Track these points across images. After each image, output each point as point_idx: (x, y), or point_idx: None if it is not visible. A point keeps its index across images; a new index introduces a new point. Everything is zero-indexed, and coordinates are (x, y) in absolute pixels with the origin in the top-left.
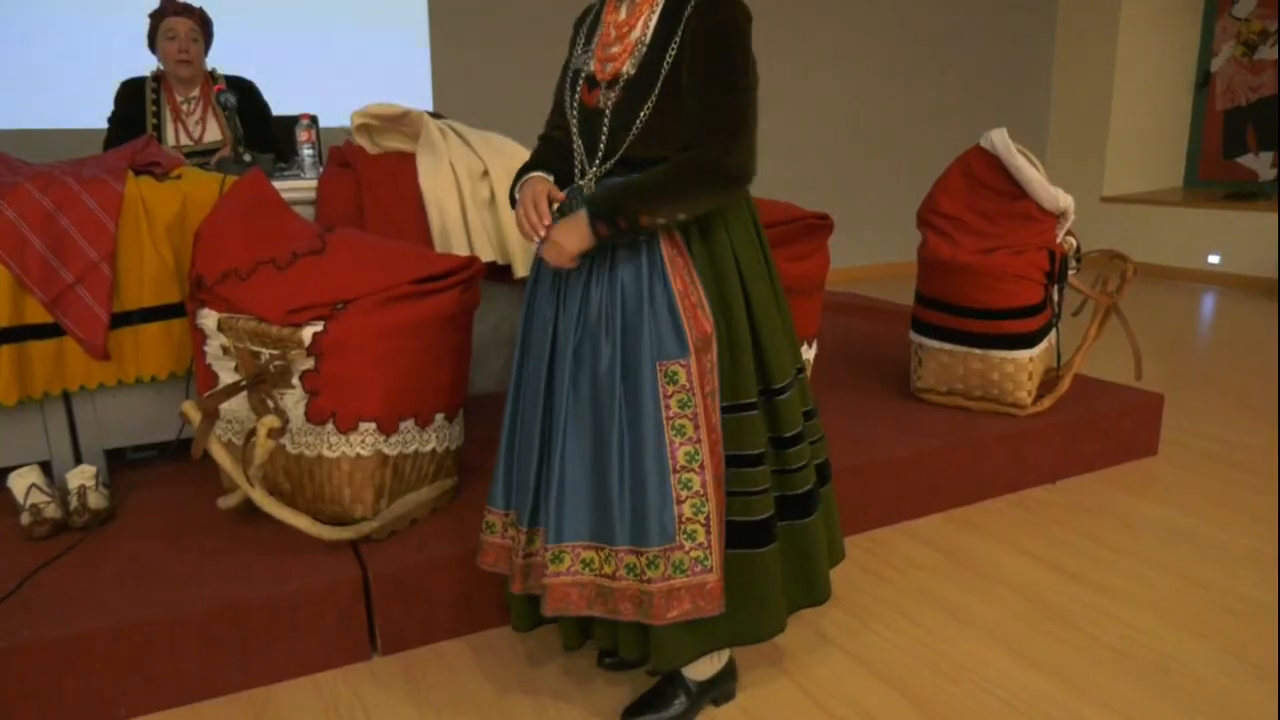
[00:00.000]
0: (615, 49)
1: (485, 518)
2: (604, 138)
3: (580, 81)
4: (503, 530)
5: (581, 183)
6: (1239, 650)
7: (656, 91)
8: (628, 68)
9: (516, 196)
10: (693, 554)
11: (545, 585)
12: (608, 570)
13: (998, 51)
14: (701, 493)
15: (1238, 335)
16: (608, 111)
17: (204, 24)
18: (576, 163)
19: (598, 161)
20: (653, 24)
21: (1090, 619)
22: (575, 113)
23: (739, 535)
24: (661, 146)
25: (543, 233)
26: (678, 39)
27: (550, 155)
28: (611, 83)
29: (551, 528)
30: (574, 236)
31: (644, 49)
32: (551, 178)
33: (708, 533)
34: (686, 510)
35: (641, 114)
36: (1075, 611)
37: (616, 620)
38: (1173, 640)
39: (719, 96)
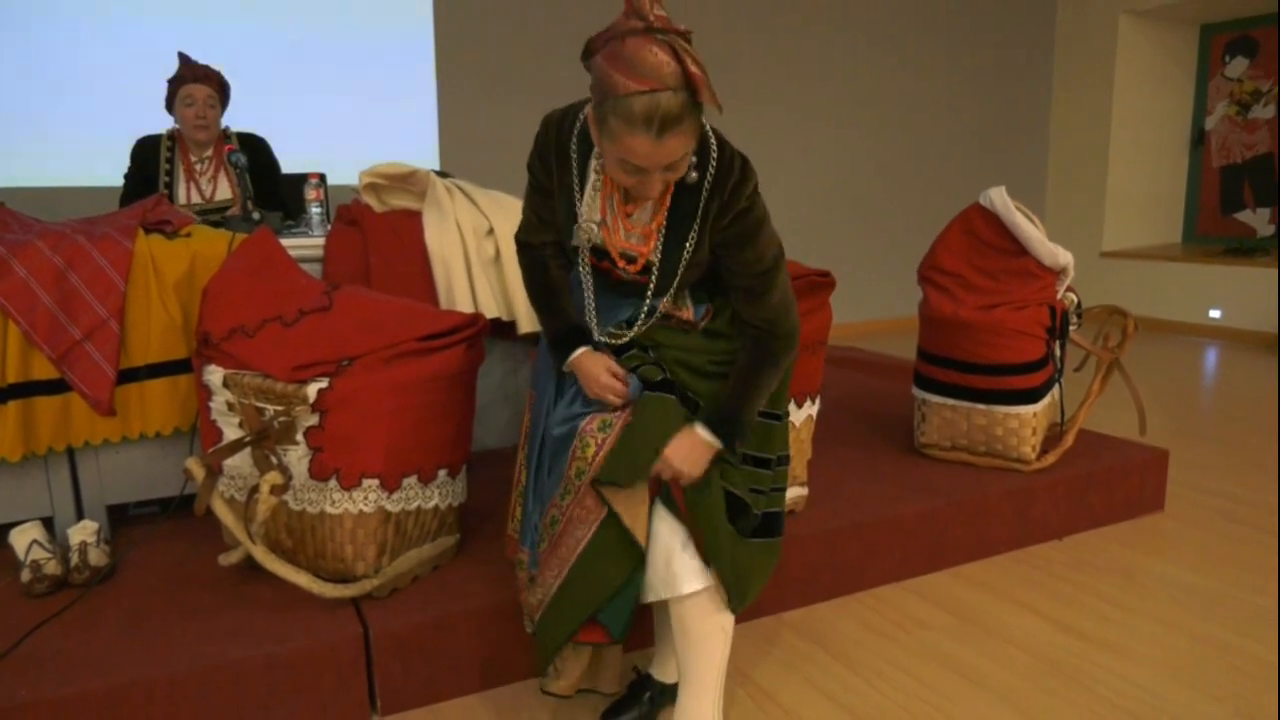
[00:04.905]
0: (634, 239)
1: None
2: (643, 304)
3: (589, 253)
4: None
5: (600, 338)
6: (1252, 713)
7: (684, 266)
8: (657, 256)
9: (567, 370)
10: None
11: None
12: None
13: (995, 110)
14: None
15: (1241, 390)
16: (639, 286)
17: (221, 89)
18: (589, 317)
19: (638, 326)
20: (666, 208)
21: (1100, 679)
22: (589, 279)
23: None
24: (695, 298)
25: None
26: (698, 224)
27: (564, 292)
28: (632, 262)
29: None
30: (703, 459)
31: (663, 234)
32: (591, 348)
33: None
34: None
35: (673, 285)
36: (1085, 671)
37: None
38: (1185, 702)
39: (762, 281)
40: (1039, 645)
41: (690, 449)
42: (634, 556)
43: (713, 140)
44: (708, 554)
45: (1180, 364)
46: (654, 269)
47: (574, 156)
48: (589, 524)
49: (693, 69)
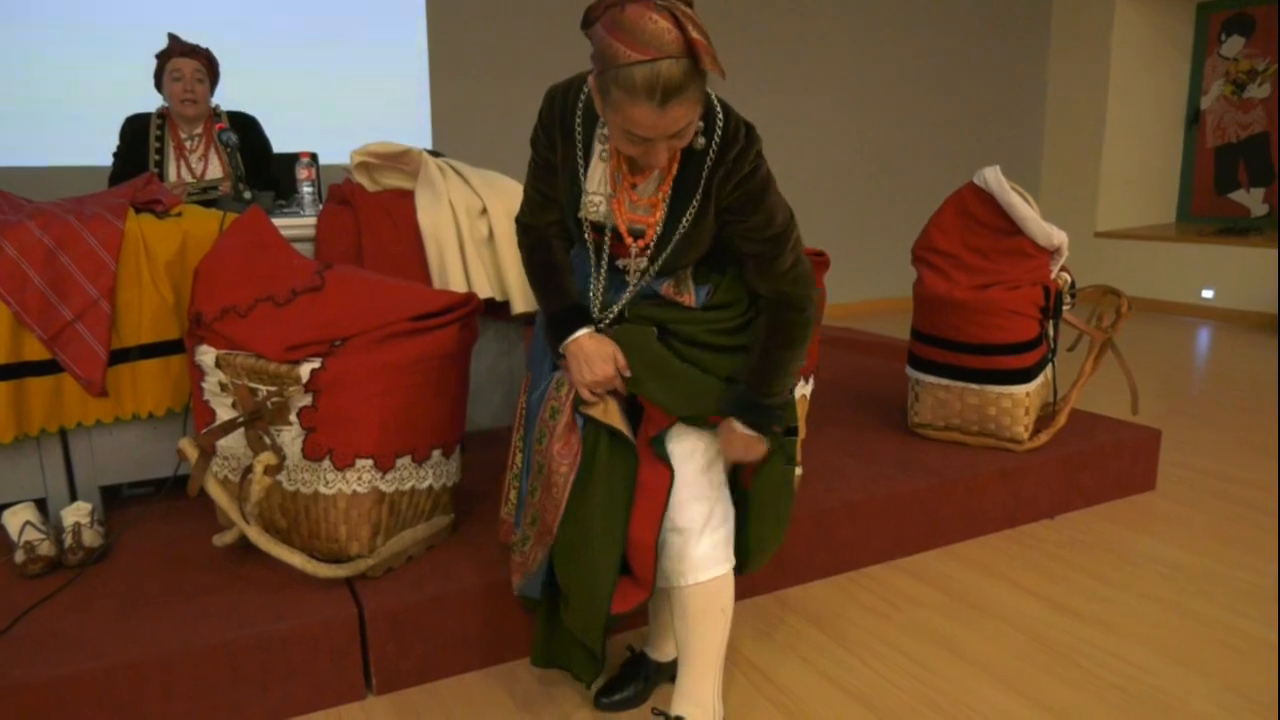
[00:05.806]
0: (640, 210)
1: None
2: (635, 277)
3: (595, 229)
4: None
5: (597, 316)
6: (1241, 688)
7: (690, 237)
8: (659, 228)
9: (564, 351)
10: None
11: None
12: None
13: (991, 89)
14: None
15: (1233, 369)
16: (643, 262)
17: (209, 64)
18: (592, 297)
19: (626, 296)
20: (673, 177)
21: (1091, 656)
22: (605, 265)
23: None
24: (697, 278)
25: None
26: (700, 195)
27: (567, 271)
28: (640, 236)
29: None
30: (757, 448)
31: (669, 203)
32: (591, 329)
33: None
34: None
35: (681, 258)
36: (1076, 649)
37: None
38: (1174, 678)
39: (773, 247)
40: (1030, 623)
41: (738, 441)
42: (630, 451)
43: (718, 108)
44: (752, 514)
45: (1173, 344)
46: (668, 244)
47: (578, 129)
48: (572, 455)
49: (694, 35)
